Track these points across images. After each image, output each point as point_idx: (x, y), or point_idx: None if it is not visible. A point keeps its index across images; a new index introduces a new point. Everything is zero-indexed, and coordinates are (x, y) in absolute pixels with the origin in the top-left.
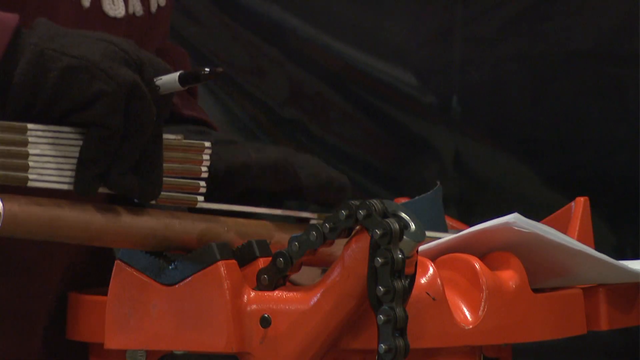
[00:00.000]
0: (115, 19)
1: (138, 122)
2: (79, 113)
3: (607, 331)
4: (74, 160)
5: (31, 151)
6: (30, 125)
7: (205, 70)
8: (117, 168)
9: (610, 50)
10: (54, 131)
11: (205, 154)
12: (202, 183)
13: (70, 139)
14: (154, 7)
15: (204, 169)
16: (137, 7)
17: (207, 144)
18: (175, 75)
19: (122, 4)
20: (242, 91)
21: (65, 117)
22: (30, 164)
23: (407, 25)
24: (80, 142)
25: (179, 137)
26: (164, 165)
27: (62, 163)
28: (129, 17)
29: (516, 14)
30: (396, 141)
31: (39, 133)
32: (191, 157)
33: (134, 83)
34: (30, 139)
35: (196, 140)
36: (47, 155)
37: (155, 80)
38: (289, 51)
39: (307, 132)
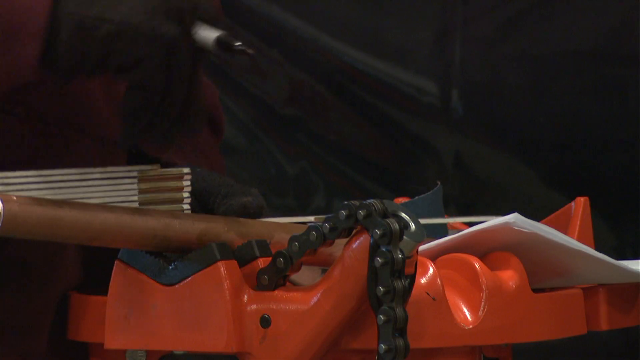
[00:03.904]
0: None
1: (177, 77)
2: (124, 74)
3: (607, 331)
4: None
5: None
6: None
7: (239, 44)
8: (160, 124)
9: (610, 50)
10: (23, 176)
11: (185, 179)
12: (186, 206)
13: (42, 182)
14: None
15: (185, 194)
16: None
17: (186, 169)
18: (213, 35)
19: None
20: (242, 91)
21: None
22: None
23: (407, 25)
24: (55, 184)
25: (155, 166)
26: (144, 196)
27: None
28: None
29: (516, 14)
30: (396, 141)
31: (6, 180)
32: (171, 185)
33: (174, 41)
34: None
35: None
36: None
37: (193, 29)
38: (289, 51)
39: (307, 132)
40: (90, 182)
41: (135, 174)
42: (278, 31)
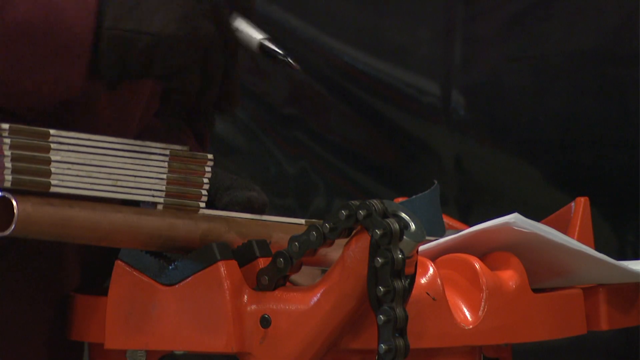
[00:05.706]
0: None
1: (214, 76)
2: (164, 81)
3: (607, 331)
4: (94, 168)
5: (53, 157)
6: (52, 131)
7: (283, 55)
8: (200, 113)
9: (610, 50)
10: (76, 137)
11: (208, 165)
12: (204, 192)
13: (91, 146)
14: None
15: (205, 180)
16: None
17: (210, 156)
18: (256, 39)
19: None
20: (242, 91)
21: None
22: (52, 169)
23: (407, 25)
24: (100, 150)
25: (185, 148)
26: (169, 175)
27: (82, 170)
28: None
29: (516, 14)
30: (396, 141)
31: (61, 139)
32: (194, 168)
33: (211, 41)
34: (52, 145)
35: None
36: (67, 162)
37: (235, 25)
38: (289, 51)
39: (307, 132)
40: (128, 154)
41: (167, 152)
42: (278, 31)
